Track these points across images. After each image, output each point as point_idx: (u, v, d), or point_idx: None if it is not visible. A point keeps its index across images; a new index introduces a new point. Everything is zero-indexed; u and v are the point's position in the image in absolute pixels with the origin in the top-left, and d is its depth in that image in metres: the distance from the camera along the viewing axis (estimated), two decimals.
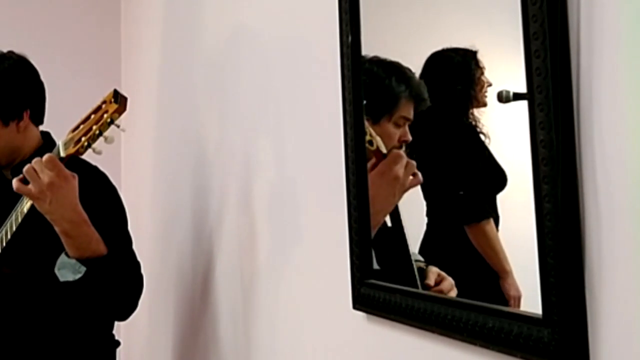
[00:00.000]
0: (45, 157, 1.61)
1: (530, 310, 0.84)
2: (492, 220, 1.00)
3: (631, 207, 0.71)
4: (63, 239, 1.66)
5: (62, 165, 1.62)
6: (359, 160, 1.22)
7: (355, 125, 1.22)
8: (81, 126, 1.65)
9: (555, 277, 0.78)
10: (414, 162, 1.15)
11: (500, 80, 0.95)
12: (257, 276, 1.75)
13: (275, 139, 1.67)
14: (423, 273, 1.12)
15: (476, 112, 1.02)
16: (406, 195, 1.17)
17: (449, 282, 1.07)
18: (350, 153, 1.23)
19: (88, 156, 1.69)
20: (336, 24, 1.28)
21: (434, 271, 1.10)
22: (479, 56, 1.00)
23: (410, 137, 1.17)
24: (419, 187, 1.13)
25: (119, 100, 1.62)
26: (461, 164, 1.09)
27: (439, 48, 1.08)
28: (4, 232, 1.75)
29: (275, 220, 1.66)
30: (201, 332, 2.16)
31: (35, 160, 1.62)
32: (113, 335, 1.98)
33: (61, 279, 1.69)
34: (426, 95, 1.11)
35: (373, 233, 1.22)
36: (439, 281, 1.09)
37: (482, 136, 1.01)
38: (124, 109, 1.64)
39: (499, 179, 0.95)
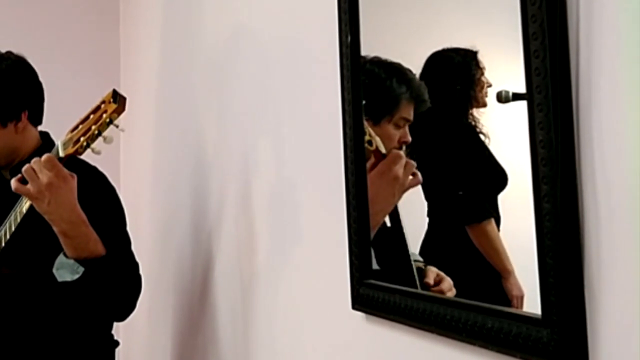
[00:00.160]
0: (44, 157, 1.61)
1: (530, 310, 0.84)
2: (493, 220, 1.00)
3: (630, 207, 0.71)
4: (61, 239, 1.66)
5: (60, 166, 1.62)
6: (358, 160, 1.22)
7: (355, 125, 1.22)
8: (80, 126, 1.65)
9: (554, 277, 0.77)
10: (413, 162, 1.15)
11: (500, 80, 0.95)
12: (256, 276, 1.75)
13: (275, 139, 1.67)
14: (422, 273, 1.12)
15: (476, 112, 1.03)
16: (406, 195, 1.17)
17: (447, 282, 1.08)
18: (350, 153, 1.23)
19: (87, 156, 1.69)
20: (335, 24, 1.28)
21: (433, 271, 1.10)
22: (480, 56, 1.00)
23: (410, 138, 1.17)
24: (419, 188, 1.13)
25: (118, 100, 1.62)
26: (461, 164, 1.09)
27: (439, 48, 1.08)
28: (2, 232, 1.74)
29: (275, 221, 1.66)
30: (200, 332, 2.16)
31: (34, 160, 1.62)
32: (112, 336, 1.98)
33: (59, 279, 1.69)
34: (426, 96, 1.11)
35: (372, 233, 1.22)
36: (438, 281, 1.09)
37: (482, 136, 1.01)
38: (123, 109, 1.64)
39: (499, 179, 0.95)
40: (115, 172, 2.89)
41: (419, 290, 1.11)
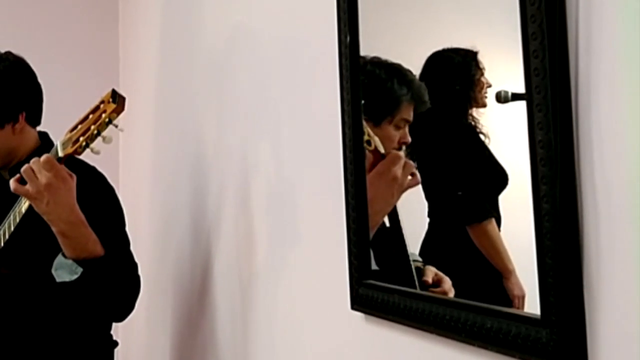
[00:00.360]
0: (43, 157, 1.61)
1: (530, 311, 0.84)
2: (493, 220, 1.00)
3: (629, 207, 0.71)
4: (60, 240, 1.66)
5: (59, 166, 1.62)
6: (357, 160, 1.22)
7: (354, 125, 1.22)
8: (79, 126, 1.64)
9: (553, 277, 0.77)
10: (412, 163, 1.15)
11: (499, 80, 0.95)
12: (256, 277, 1.75)
13: (274, 139, 1.67)
14: (421, 273, 1.12)
15: (475, 112, 1.02)
16: (406, 195, 1.17)
17: (447, 282, 1.08)
18: (349, 153, 1.23)
19: (86, 156, 1.69)
20: (334, 24, 1.28)
21: (431, 270, 1.10)
22: (480, 57, 1.00)
23: (409, 139, 1.17)
24: (419, 188, 1.13)
25: (117, 100, 1.62)
26: (462, 164, 1.09)
27: (439, 48, 1.08)
28: (1, 232, 1.74)
29: (274, 221, 1.66)
30: (199, 332, 2.16)
31: (33, 160, 1.62)
32: (111, 336, 1.98)
33: (58, 280, 1.68)
34: (427, 97, 1.11)
35: (371, 234, 1.22)
36: (436, 280, 1.09)
37: (482, 136, 1.01)
38: (122, 109, 1.64)
39: (499, 179, 0.95)
40: (114, 172, 2.88)
41: (418, 291, 1.11)
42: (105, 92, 1.66)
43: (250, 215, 1.79)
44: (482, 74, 0.99)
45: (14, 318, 1.83)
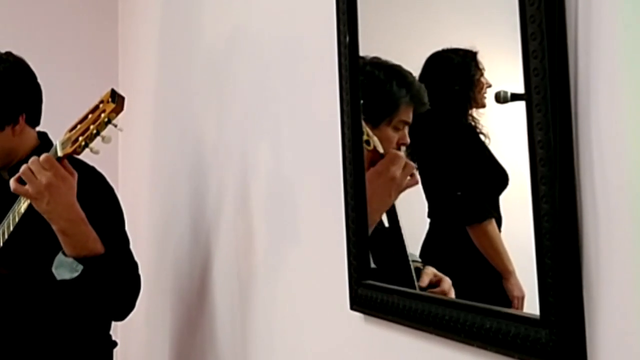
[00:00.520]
0: (42, 157, 1.61)
1: (529, 311, 0.84)
2: (493, 221, 1.00)
3: (629, 207, 0.71)
4: (60, 238, 1.66)
5: (59, 165, 1.62)
6: (356, 160, 1.22)
7: (353, 125, 1.22)
8: (78, 126, 1.64)
9: (553, 277, 0.77)
10: (412, 164, 1.15)
11: (499, 80, 0.95)
12: (255, 277, 1.75)
13: (273, 139, 1.67)
14: (420, 273, 1.12)
15: (475, 113, 1.02)
16: (406, 196, 1.17)
17: (447, 282, 1.07)
18: (348, 153, 1.23)
19: (85, 156, 1.69)
20: (334, 24, 1.28)
21: (430, 272, 1.10)
22: (479, 57, 1.00)
23: (408, 140, 1.17)
24: (420, 189, 1.13)
25: (116, 99, 1.62)
26: (462, 164, 1.09)
27: (438, 49, 1.08)
28: (0, 232, 1.74)
29: (273, 221, 1.66)
30: (198, 333, 2.16)
31: (32, 160, 1.62)
32: (110, 336, 1.98)
33: (58, 278, 1.68)
34: (426, 99, 1.11)
35: (369, 230, 1.21)
36: (435, 282, 1.09)
37: (482, 136, 1.01)
38: (122, 109, 1.64)
39: (500, 179, 0.95)
40: (114, 172, 2.88)
41: (417, 291, 1.11)
42: (105, 91, 1.66)
43: (250, 215, 1.79)
44: (482, 74, 0.99)
45: (13, 318, 1.83)
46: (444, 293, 1.07)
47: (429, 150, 1.16)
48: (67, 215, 1.64)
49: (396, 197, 1.19)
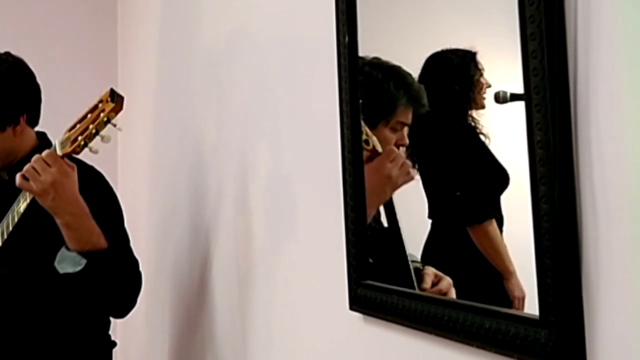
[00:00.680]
0: (45, 153, 1.62)
1: (529, 311, 0.84)
2: (494, 221, 1.00)
3: (628, 207, 0.71)
4: (64, 232, 1.66)
5: (62, 161, 1.62)
6: (355, 160, 1.22)
7: (352, 125, 1.22)
8: (78, 125, 1.64)
9: (552, 278, 0.77)
10: (407, 161, 1.15)
11: (498, 81, 0.95)
12: (254, 277, 1.74)
13: (273, 139, 1.67)
14: (419, 273, 1.12)
15: (475, 113, 1.02)
16: (406, 197, 1.17)
17: (446, 281, 1.07)
18: (347, 153, 1.23)
19: (85, 156, 1.69)
20: (333, 25, 1.27)
21: (430, 272, 1.10)
22: (479, 57, 1.00)
23: (407, 141, 1.17)
24: (421, 190, 1.13)
25: (115, 99, 1.62)
26: (462, 165, 1.09)
27: (437, 49, 1.08)
28: (0, 232, 1.74)
29: (273, 221, 1.66)
30: (198, 333, 2.16)
31: (35, 158, 1.62)
32: (109, 336, 1.98)
33: (61, 272, 1.68)
34: (425, 100, 1.11)
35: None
36: (436, 282, 1.09)
37: (482, 137, 1.01)
38: (121, 108, 1.64)
39: (501, 179, 0.95)
40: (113, 172, 2.88)
41: (417, 291, 1.11)
42: (104, 91, 1.66)
43: (249, 215, 1.79)
44: (481, 75, 0.99)
45: (12, 318, 1.83)
46: (443, 291, 1.07)
47: (429, 151, 1.16)
48: (72, 209, 1.64)
49: (391, 194, 1.19)
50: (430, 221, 1.12)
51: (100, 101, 1.64)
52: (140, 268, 1.83)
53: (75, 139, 1.62)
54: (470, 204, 1.07)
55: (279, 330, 1.61)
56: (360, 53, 1.23)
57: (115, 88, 1.67)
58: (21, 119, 1.85)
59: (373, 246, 1.21)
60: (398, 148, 1.18)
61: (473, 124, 1.03)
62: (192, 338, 2.22)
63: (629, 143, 0.71)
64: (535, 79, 0.79)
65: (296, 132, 1.53)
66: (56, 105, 2.10)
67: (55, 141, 1.68)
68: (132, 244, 1.88)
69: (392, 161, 1.17)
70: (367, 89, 1.22)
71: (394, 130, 1.18)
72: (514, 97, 0.86)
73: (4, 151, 1.85)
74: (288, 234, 1.56)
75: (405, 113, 1.16)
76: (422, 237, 1.14)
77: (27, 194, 1.66)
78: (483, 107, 1.00)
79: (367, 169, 1.21)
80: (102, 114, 1.62)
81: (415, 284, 1.12)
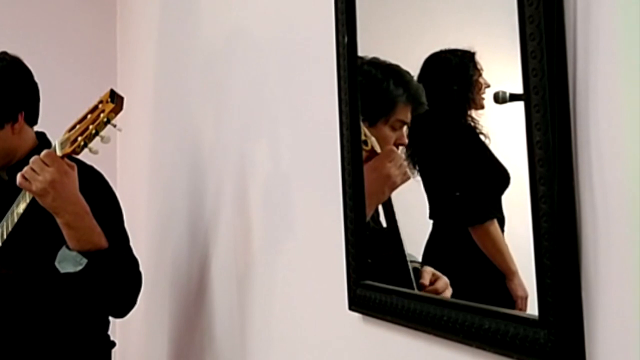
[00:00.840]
0: (44, 153, 1.63)
1: (528, 311, 0.84)
2: (495, 221, 1.00)
3: (627, 207, 0.71)
4: (65, 231, 1.66)
5: (61, 160, 1.63)
6: (355, 160, 1.22)
7: (352, 125, 1.22)
8: (77, 126, 1.65)
9: (551, 278, 0.77)
10: (404, 162, 1.15)
11: (497, 81, 0.95)
12: (253, 277, 1.74)
13: (271, 139, 1.67)
14: (418, 273, 1.12)
15: (474, 113, 1.02)
16: (406, 197, 1.17)
17: (443, 281, 1.07)
18: (347, 154, 1.23)
19: (84, 156, 1.69)
20: (332, 25, 1.27)
21: (428, 271, 1.10)
22: (477, 57, 1.00)
23: (406, 140, 1.17)
24: (421, 190, 1.13)
25: (115, 99, 1.62)
26: (463, 165, 1.09)
27: (436, 49, 1.08)
28: (0, 232, 1.74)
29: (271, 222, 1.66)
30: (197, 333, 2.16)
31: (33, 159, 1.62)
32: (108, 336, 1.98)
33: (62, 271, 1.69)
34: (424, 99, 1.11)
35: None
36: (433, 280, 1.09)
37: (482, 137, 1.01)
38: (121, 109, 1.64)
39: (501, 179, 0.95)
40: (112, 172, 2.88)
41: (416, 291, 1.11)
42: (103, 91, 1.66)
43: (248, 216, 1.79)
44: (480, 75, 0.99)
45: (12, 318, 1.83)
46: (439, 291, 1.07)
47: (429, 151, 1.16)
48: (73, 209, 1.65)
49: (389, 194, 1.19)
50: (431, 222, 1.12)
51: (100, 102, 1.64)
52: (140, 268, 1.83)
53: (75, 140, 1.63)
54: (472, 204, 1.07)
55: (278, 330, 1.61)
56: (360, 53, 1.23)
57: (114, 88, 1.67)
58: (19, 116, 1.85)
59: (372, 246, 1.21)
60: (397, 147, 1.18)
61: (472, 124, 1.02)
62: (191, 338, 2.22)
63: (628, 143, 0.71)
64: (534, 79, 0.79)
65: (295, 132, 1.53)
66: (55, 106, 2.11)
67: (55, 141, 1.68)
68: (131, 244, 1.88)
69: (391, 161, 1.17)
70: (366, 87, 1.22)
71: (393, 128, 1.18)
72: (514, 98, 0.86)
73: (3, 150, 1.85)
74: (287, 234, 1.56)
75: (405, 111, 1.16)
76: (422, 237, 1.14)
77: (27, 194, 1.66)
78: (482, 107, 1.00)
79: (366, 168, 1.21)
80: (102, 115, 1.62)
81: (414, 284, 1.12)
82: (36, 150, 1.79)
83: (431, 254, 1.13)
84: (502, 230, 0.99)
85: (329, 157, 1.31)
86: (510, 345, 0.85)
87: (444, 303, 1.01)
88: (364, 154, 1.21)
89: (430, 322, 1.01)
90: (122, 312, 1.86)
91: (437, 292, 1.07)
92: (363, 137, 1.21)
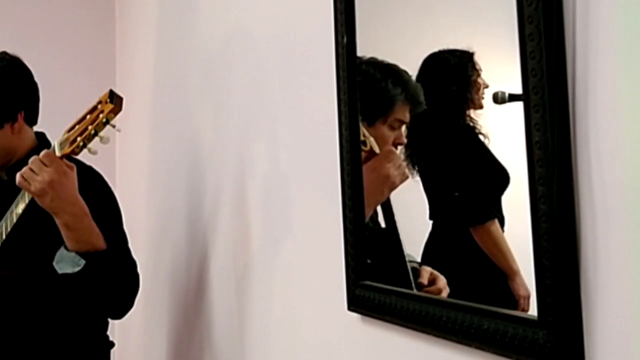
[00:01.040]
0: (43, 153, 1.62)
1: (529, 311, 0.84)
2: (496, 221, 1.00)
3: (626, 208, 0.71)
4: (64, 232, 1.66)
5: (60, 161, 1.62)
6: (354, 161, 1.22)
7: (351, 125, 1.22)
8: (77, 126, 1.65)
9: (550, 278, 0.77)
10: (403, 163, 1.15)
11: (496, 81, 0.95)
12: (252, 278, 1.74)
13: (270, 139, 1.66)
14: (417, 273, 1.12)
15: (473, 113, 1.02)
16: (405, 198, 1.17)
17: (441, 280, 1.07)
18: (346, 154, 1.23)
19: (83, 156, 1.69)
20: (331, 25, 1.27)
21: (427, 270, 1.10)
22: (476, 58, 1.00)
23: (404, 140, 1.17)
24: (420, 190, 1.13)
25: (114, 100, 1.62)
26: (462, 165, 1.09)
27: (435, 49, 1.08)
28: None
29: (270, 222, 1.66)
30: (195, 334, 2.16)
31: (32, 160, 1.62)
32: (107, 337, 1.98)
33: (60, 272, 1.68)
34: (422, 98, 1.11)
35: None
36: (431, 280, 1.09)
37: (481, 137, 1.01)
38: (120, 109, 1.64)
39: (501, 179, 0.95)
40: (111, 172, 2.88)
41: (415, 292, 1.11)
42: (102, 92, 1.66)
43: (247, 216, 1.79)
44: (479, 75, 0.99)
45: (11, 318, 1.83)
46: (437, 290, 1.07)
47: (428, 151, 1.16)
48: (72, 210, 1.64)
49: (388, 194, 1.19)
50: (431, 222, 1.12)
51: (100, 102, 1.64)
52: (138, 269, 1.83)
53: (74, 140, 1.63)
54: (473, 205, 1.07)
55: (277, 331, 1.61)
56: (359, 53, 1.23)
57: (113, 89, 1.67)
58: (19, 116, 1.85)
59: (371, 247, 1.21)
60: (396, 147, 1.18)
61: (471, 124, 1.02)
62: (190, 339, 2.22)
63: (628, 144, 0.71)
64: (533, 79, 0.79)
65: (294, 133, 1.53)
66: (55, 106, 2.11)
67: (54, 142, 1.68)
68: (130, 245, 1.88)
69: (390, 161, 1.17)
70: (364, 86, 1.22)
71: (391, 128, 1.18)
72: (513, 98, 0.86)
73: (2, 150, 1.85)
74: (286, 234, 1.56)
75: (403, 110, 1.16)
76: (421, 237, 1.14)
77: (26, 195, 1.66)
78: (481, 107, 1.00)
79: (365, 169, 1.21)
80: (101, 115, 1.62)
81: (413, 284, 1.12)
82: (35, 151, 1.79)
83: (430, 254, 1.13)
84: (502, 230, 0.99)
85: (328, 158, 1.31)
86: (510, 346, 0.85)
87: (443, 303, 1.01)
88: (363, 154, 1.21)
89: (430, 323, 1.01)
90: (119, 314, 1.86)
91: (435, 291, 1.07)
92: (362, 138, 1.21)
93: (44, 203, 1.63)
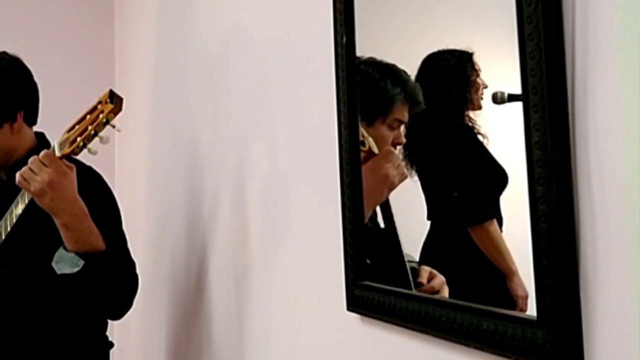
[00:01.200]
0: (42, 153, 1.62)
1: (528, 312, 0.84)
2: (495, 221, 1.00)
3: (626, 208, 0.71)
4: (63, 233, 1.66)
5: (59, 161, 1.62)
6: (353, 161, 1.22)
7: (350, 126, 1.22)
8: (77, 126, 1.65)
9: (549, 278, 0.77)
10: (402, 163, 1.15)
11: (496, 81, 0.95)
12: (251, 278, 1.74)
13: (269, 139, 1.66)
14: (416, 273, 1.12)
15: (472, 113, 1.02)
16: (404, 198, 1.17)
17: (439, 279, 1.08)
18: (345, 154, 1.23)
19: (82, 156, 1.69)
20: (330, 25, 1.27)
21: (426, 269, 1.10)
22: (475, 58, 1.00)
23: (403, 140, 1.17)
24: (419, 190, 1.13)
25: (114, 100, 1.62)
26: (461, 165, 1.09)
27: (434, 49, 1.08)
28: None
29: (269, 223, 1.66)
30: (195, 334, 2.16)
31: (32, 160, 1.62)
32: (107, 337, 1.98)
33: (58, 272, 1.68)
34: (421, 98, 1.11)
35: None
36: (430, 279, 1.09)
37: (480, 137, 1.01)
38: (120, 110, 1.64)
39: (500, 179, 0.95)
40: (110, 172, 2.88)
41: (414, 292, 1.11)
42: (102, 92, 1.66)
43: (246, 216, 1.79)
44: (478, 75, 0.99)
45: (10, 318, 1.83)
46: (435, 289, 1.07)
47: (427, 151, 1.16)
48: (71, 210, 1.64)
49: (388, 194, 1.19)
50: (429, 222, 1.12)
51: (100, 102, 1.64)
52: (137, 270, 1.83)
53: (74, 140, 1.63)
54: (471, 205, 1.07)
55: (277, 331, 1.61)
56: (358, 53, 1.23)
57: (113, 89, 1.67)
58: (18, 116, 1.85)
59: (370, 247, 1.21)
60: (395, 146, 1.18)
61: (470, 124, 1.02)
62: (189, 339, 2.22)
63: (627, 144, 0.71)
64: (532, 79, 0.79)
65: (293, 133, 1.53)
66: (54, 106, 2.11)
67: (54, 142, 1.68)
68: (129, 245, 1.88)
69: (389, 162, 1.17)
70: (363, 86, 1.22)
71: (390, 128, 1.18)
72: (512, 98, 0.86)
73: (1, 150, 1.86)
74: (285, 234, 1.56)
75: (402, 110, 1.16)
76: (420, 237, 1.14)
77: (26, 195, 1.66)
78: (480, 107, 1.00)
79: (364, 169, 1.21)
80: (101, 115, 1.62)
81: (412, 284, 1.12)
82: (35, 151, 1.79)
83: (429, 254, 1.13)
84: (500, 231, 0.99)
85: (328, 158, 1.31)
86: (509, 346, 0.85)
87: (442, 303, 1.01)
88: (362, 154, 1.21)
89: (429, 323, 1.01)
90: (117, 314, 1.86)
91: (433, 290, 1.07)
92: (361, 138, 1.21)
93: (44, 203, 1.63)
